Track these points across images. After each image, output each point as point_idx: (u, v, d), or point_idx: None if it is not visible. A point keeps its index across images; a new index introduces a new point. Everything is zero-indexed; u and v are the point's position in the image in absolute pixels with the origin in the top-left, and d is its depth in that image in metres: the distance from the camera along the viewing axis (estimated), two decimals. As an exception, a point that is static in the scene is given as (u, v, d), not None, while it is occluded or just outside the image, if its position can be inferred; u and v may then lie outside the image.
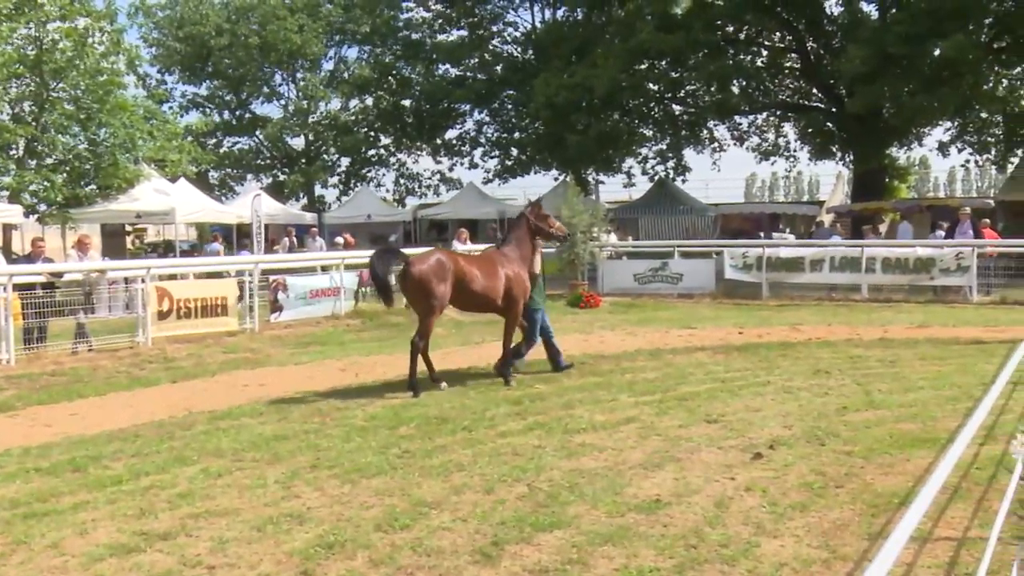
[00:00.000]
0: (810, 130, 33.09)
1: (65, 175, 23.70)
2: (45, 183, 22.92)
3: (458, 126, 39.08)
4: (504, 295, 10.30)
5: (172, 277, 16.66)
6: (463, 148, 38.97)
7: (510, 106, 36.68)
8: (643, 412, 8.57)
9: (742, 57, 30.83)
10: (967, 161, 32.79)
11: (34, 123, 23.53)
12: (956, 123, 29.85)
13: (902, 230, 24.11)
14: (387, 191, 40.97)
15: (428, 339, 10.11)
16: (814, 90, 31.38)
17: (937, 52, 24.73)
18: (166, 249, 29.20)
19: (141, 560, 5.07)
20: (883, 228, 29.36)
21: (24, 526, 5.67)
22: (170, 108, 37.14)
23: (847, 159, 32.75)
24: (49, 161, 24.29)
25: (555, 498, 6.00)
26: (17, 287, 12.78)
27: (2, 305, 12.15)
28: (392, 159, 40.79)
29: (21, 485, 6.62)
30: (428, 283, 9.78)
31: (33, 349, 12.75)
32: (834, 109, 29.81)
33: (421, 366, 9.92)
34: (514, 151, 36.55)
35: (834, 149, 32.94)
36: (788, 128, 34.75)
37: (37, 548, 5.30)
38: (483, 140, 38.22)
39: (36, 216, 24.36)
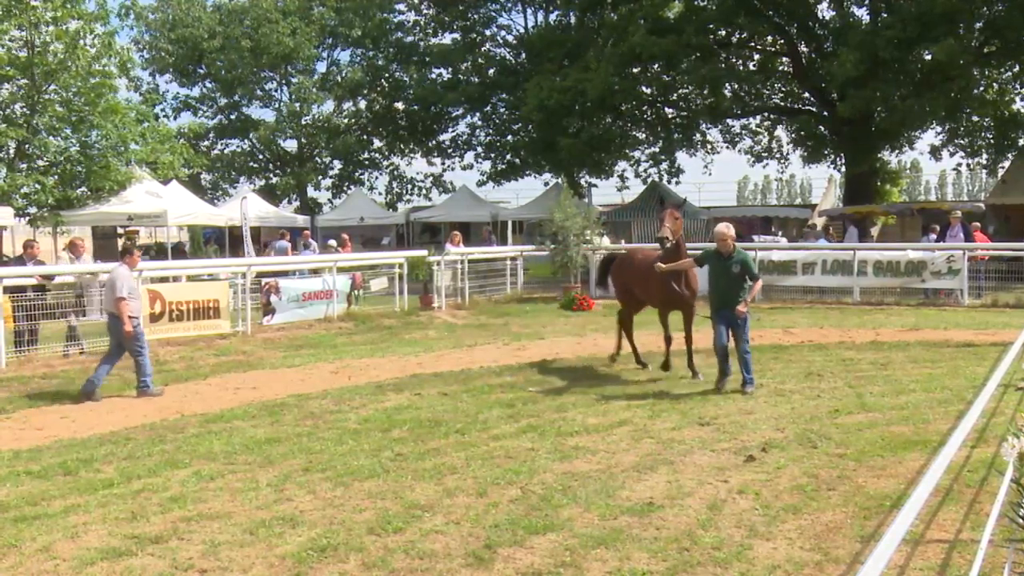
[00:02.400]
0: (802, 133, 33.20)
1: (56, 177, 23.58)
2: (36, 185, 22.79)
3: (451, 129, 39.14)
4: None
5: (164, 279, 16.58)
6: (456, 151, 39.00)
7: (503, 109, 36.72)
8: (636, 415, 8.59)
9: (734, 60, 30.94)
10: (958, 165, 33.01)
11: (25, 125, 23.41)
12: (947, 127, 29.95)
13: (849, 234, 24.59)
14: (380, 194, 41.01)
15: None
16: (806, 94, 31.45)
17: (928, 56, 24.85)
18: (158, 251, 29.12)
19: (132, 564, 5.05)
20: (875, 231, 29.49)
21: (15, 530, 5.65)
22: (162, 110, 37.20)
23: (839, 162, 32.86)
24: (40, 163, 24.16)
25: (548, 501, 6.00)
26: (7, 290, 12.71)
27: (-7, 308, 12.08)
28: (385, 162, 40.80)
29: (11, 488, 6.59)
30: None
31: (24, 352, 12.69)
32: (826, 113, 29.91)
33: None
34: (507, 154, 36.56)
35: (826, 152, 33.05)
36: (780, 131, 34.88)
37: (28, 552, 5.28)
38: (476, 143, 38.25)
39: (27, 219, 24.24)
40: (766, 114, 33.60)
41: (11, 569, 5.04)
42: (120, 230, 30.34)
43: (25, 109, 23.73)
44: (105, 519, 5.83)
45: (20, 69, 22.89)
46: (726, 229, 9.75)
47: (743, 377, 9.59)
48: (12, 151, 23.57)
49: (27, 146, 23.64)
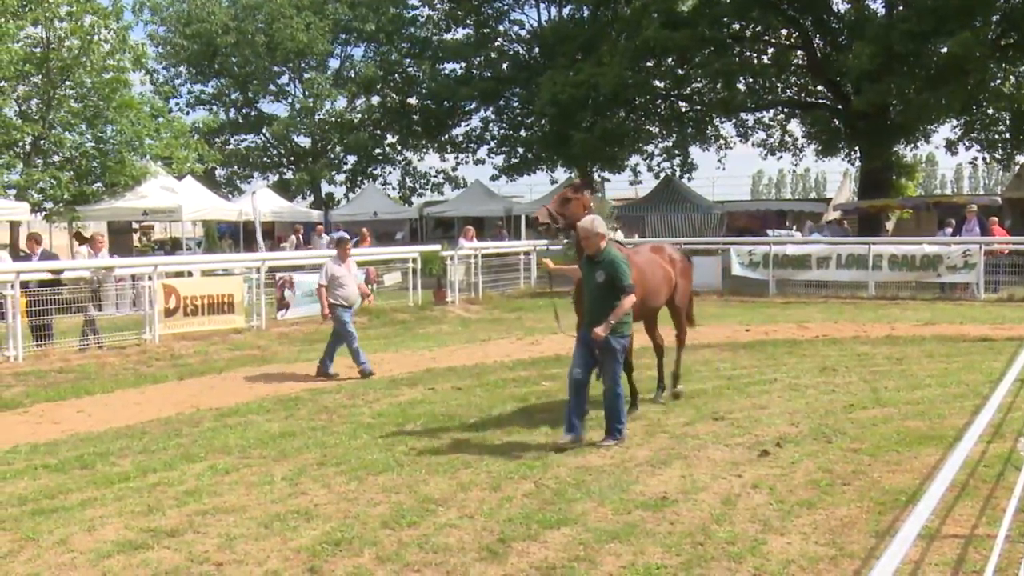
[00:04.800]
0: (816, 127, 33.00)
1: (72, 173, 23.76)
2: (52, 181, 22.97)
3: (464, 124, 39.13)
4: None
5: (179, 274, 16.65)
6: (469, 146, 39.00)
7: (516, 104, 36.66)
8: (649, 409, 8.58)
9: (748, 54, 30.74)
10: (974, 159, 32.68)
11: (41, 121, 23.58)
12: (963, 120, 29.72)
13: (808, 229, 24.68)
14: (393, 189, 41.07)
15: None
16: (820, 87, 31.25)
17: (944, 49, 24.64)
18: (173, 246, 29.25)
19: (149, 557, 5.09)
20: (890, 225, 29.34)
21: (32, 523, 5.70)
22: (177, 106, 37.35)
23: (853, 156, 32.67)
24: (56, 159, 24.35)
25: (562, 495, 6.00)
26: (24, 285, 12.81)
27: (9, 302, 12.17)
28: (398, 157, 40.85)
29: (29, 482, 6.65)
30: None
31: (42, 346, 12.79)
32: (840, 106, 29.70)
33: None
34: (520, 149, 36.52)
35: (840, 146, 32.85)
36: (794, 125, 34.69)
37: (45, 545, 5.32)
38: (489, 138, 38.21)
39: (43, 214, 24.42)
40: (780, 108, 33.41)
41: (29, 561, 5.09)
42: (135, 225, 30.52)
43: (41, 105, 23.89)
44: (121, 512, 5.87)
45: (36, 65, 23.04)
46: (591, 224, 7.44)
47: (605, 426, 7.45)
48: (28, 147, 23.74)
49: (43, 142, 23.81)
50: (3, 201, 20.84)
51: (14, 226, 23.47)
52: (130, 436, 8.03)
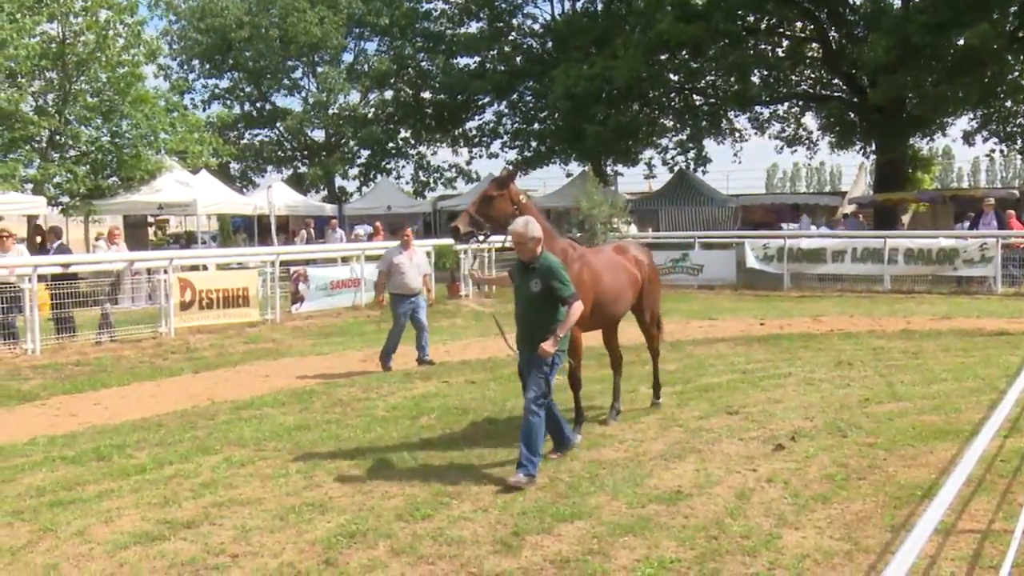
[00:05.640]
0: (831, 120, 32.80)
1: (88, 167, 23.90)
2: (68, 175, 23.13)
3: (477, 118, 39.11)
4: None
5: (194, 268, 16.75)
6: (482, 139, 38.97)
7: (529, 97, 36.61)
8: (664, 403, 8.56)
9: (763, 47, 30.58)
10: (992, 151, 32.45)
11: (57, 115, 23.73)
12: (980, 113, 29.51)
13: (804, 222, 24.53)
14: (406, 183, 41.09)
15: None
16: (836, 80, 31.05)
17: (961, 41, 24.44)
18: (188, 240, 29.39)
19: (165, 548, 5.12)
20: (906, 219, 29.15)
21: (50, 514, 5.74)
22: (191, 100, 37.51)
23: (868, 149, 32.47)
24: (72, 153, 24.50)
25: (576, 489, 6.00)
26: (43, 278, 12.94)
27: (27, 296, 12.28)
28: (412, 151, 40.87)
29: (47, 473, 6.70)
30: None
31: (61, 339, 12.89)
32: (856, 99, 29.52)
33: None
34: (533, 142, 36.48)
35: (856, 139, 32.66)
36: (809, 118, 34.50)
37: (63, 536, 5.37)
38: (502, 131, 38.17)
39: (60, 208, 24.59)
40: (795, 101, 33.23)
41: (48, 552, 5.13)
42: (150, 219, 30.68)
43: (57, 99, 24.05)
44: (138, 504, 5.92)
45: (52, 60, 23.19)
46: (524, 227, 6.43)
47: (519, 453, 6.22)
48: (45, 141, 23.91)
49: (59, 136, 23.98)
50: (20, 195, 21.01)
51: (31, 220, 23.66)
52: (146, 428, 8.08)
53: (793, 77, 31.69)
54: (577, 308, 6.33)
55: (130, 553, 5.07)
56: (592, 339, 7.96)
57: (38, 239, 14.21)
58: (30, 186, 22.44)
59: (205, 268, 17.15)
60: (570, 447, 6.74)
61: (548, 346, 6.18)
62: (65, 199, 24.27)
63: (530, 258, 6.45)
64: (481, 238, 7.40)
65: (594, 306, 7.07)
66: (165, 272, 14.11)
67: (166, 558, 4.98)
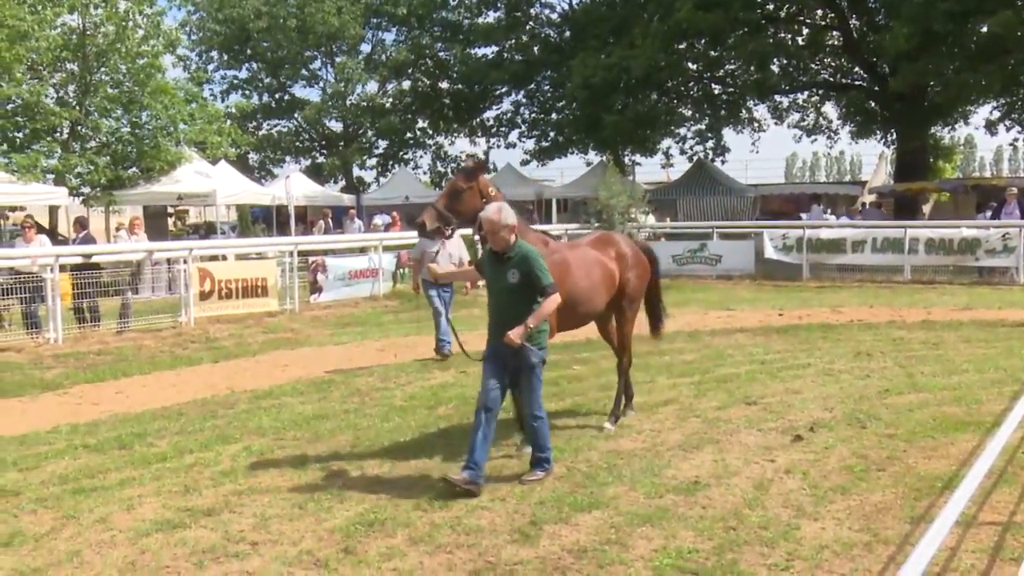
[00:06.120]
0: (851, 109, 32.53)
1: (108, 158, 24.08)
2: (89, 166, 23.32)
3: (495, 107, 39.09)
4: None
5: (213, 258, 16.85)
6: (500, 129, 38.93)
7: (547, 87, 36.51)
8: (681, 394, 8.55)
9: (782, 35, 30.35)
10: (1015, 140, 32.07)
11: (78, 107, 23.91)
12: (1003, 101, 29.18)
13: (814, 212, 24.22)
14: (424, 173, 41.14)
15: None
16: (856, 68, 30.79)
17: (984, 29, 24.17)
18: (207, 230, 29.55)
19: (186, 535, 5.17)
20: (927, 208, 28.92)
21: (73, 501, 5.81)
22: (210, 91, 37.66)
23: (889, 138, 32.19)
24: (93, 144, 24.69)
25: (593, 479, 6.00)
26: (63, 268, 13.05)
27: (49, 285, 12.40)
28: (429, 141, 40.88)
29: (70, 461, 6.77)
30: None
31: (83, 328, 13.01)
32: (877, 87, 29.27)
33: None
34: (551, 132, 36.40)
35: (876, 128, 32.39)
36: (829, 107, 34.22)
37: (86, 523, 5.43)
38: (520, 121, 38.11)
39: (81, 198, 24.80)
40: (815, 89, 32.99)
41: (71, 539, 5.19)
42: (170, 209, 30.86)
43: (78, 91, 24.22)
44: (159, 492, 5.97)
45: (72, 52, 23.35)
46: (497, 214, 6.01)
47: (531, 456, 6.21)
48: (66, 132, 24.09)
49: (80, 127, 24.16)
50: (42, 186, 21.19)
51: (53, 210, 23.88)
52: (167, 417, 8.15)
53: (813, 66, 31.45)
54: (553, 300, 5.97)
55: (151, 540, 5.12)
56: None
57: (73, 232, 14.36)
58: (52, 177, 22.63)
59: (224, 258, 17.23)
60: (476, 481, 5.76)
61: (515, 335, 5.78)
62: (86, 190, 24.47)
63: (504, 247, 6.03)
64: (448, 232, 6.95)
65: (565, 305, 6.44)
66: (185, 262, 14.21)
67: (187, 545, 5.03)
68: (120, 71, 24.25)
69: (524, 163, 37.09)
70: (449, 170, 40.87)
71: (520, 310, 5.91)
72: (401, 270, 18.46)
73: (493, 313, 6.19)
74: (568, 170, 44.10)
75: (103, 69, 24.12)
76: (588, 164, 35.10)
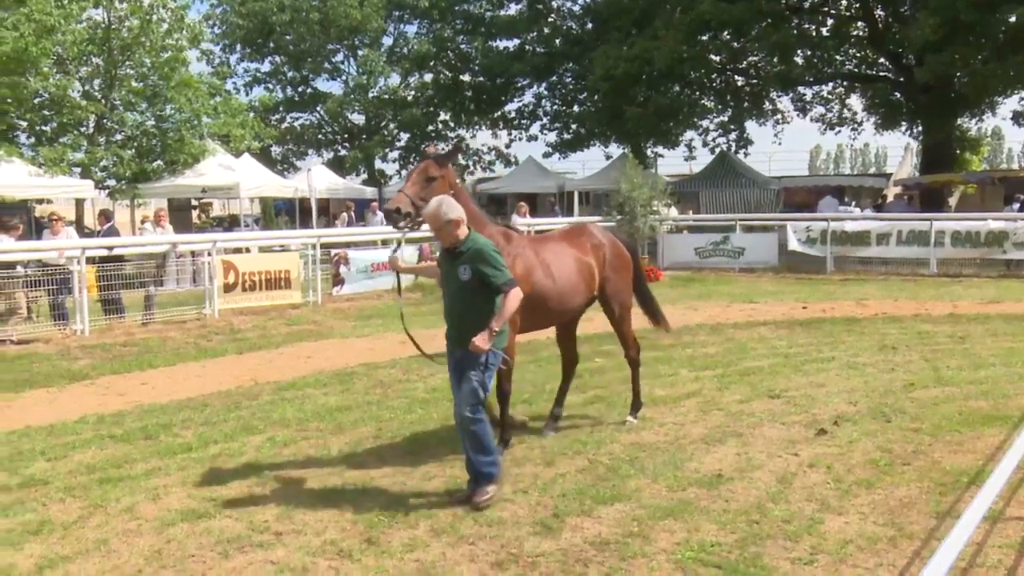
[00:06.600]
0: (877, 101, 32.18)
1: (133, 151, 24.29)
2: (114, 159, 23.55)
3: (517, 100, 38.98)
4: None
5: (237, 251, 16.96)
6: (522, 122, 38.87)
7: (569, 79, 36.37)
8: (704, 387, 8.52)
9: (807, 26, 30.06)
10: (1043, 131, 31.66)
11: (103, 100, 24.13)
12: (1031, 92, 28.77)
13: (825, 203, 24.16)
14: (446, 165, 41.06)
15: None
16: (881, 59, 30.45)
17: (1012, 19, 23.82)
18: (231, 223, 29.74)
19: (211, 525, 5.22)
20: (953, 201, 28.60)
21: (100, 491, 5.88)
22: (234, 84, 37.87)
23: (915, 130, 31.84)
24: (118, 137, 24.91)
25: (616, 471, 6.00)
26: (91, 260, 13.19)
27: (76, 277, 12.53)
28: (451, 134, 40.86)
29: (97, 451, 6.85)
30: None
31: (109, 320, 13.15)
32: (902, 79, 28.94)
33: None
34: (573, 125, 36.28)
35: (902, 120, 32.03)
36: (854, 99, 33.87)
37: (112, 512, 5.49)
38: (542, 114, 38.03)
39: (107, 191, 25.04)
40: (839, 81, 32.64)
41: (98, 527, 5.26)
42: (194, 202, 31.09)
43: (103, 85, 24.43)
44: (184, 482, 6.03)
45: (97, 46, 23.56)
46: (436, 209, 5.54)
47: (469, 468, 5.63)
48: (92, 126, 24.32)
49: (105, 120, 24.37)
50: (69, 179, 21.42)
51: (79, 203, 24.12)
52: (192, 408, 8.22)
53: (837, 57, 31.10)
54: (515, 297, 5.46)
55: (177, 530, 5.18)
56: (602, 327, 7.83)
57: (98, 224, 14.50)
58: (78, 170, 22.86)
59: (248, 251, 17.33)
60: (492, 482, 5.54)
61: (480, 341, 5.32)
62: (112, 183, 24.71)
63: (452, 243, 5.56)
64: (419, 220, 6.19)
65: (530, 305, 6.09)
66: (209, 254, 14.32)
67: (212, 535, 5.08)
68: (144, 65, 24.45)
69: (546, 155, 37.03)
70: (471, 163, 40.92)
71: (477, 311, 5.45)
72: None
73: (448, 315, 5.74)
74: (590, 162, 44.03)
75: (128, 63, 24.33)
76: (608, 158, 34.98)
